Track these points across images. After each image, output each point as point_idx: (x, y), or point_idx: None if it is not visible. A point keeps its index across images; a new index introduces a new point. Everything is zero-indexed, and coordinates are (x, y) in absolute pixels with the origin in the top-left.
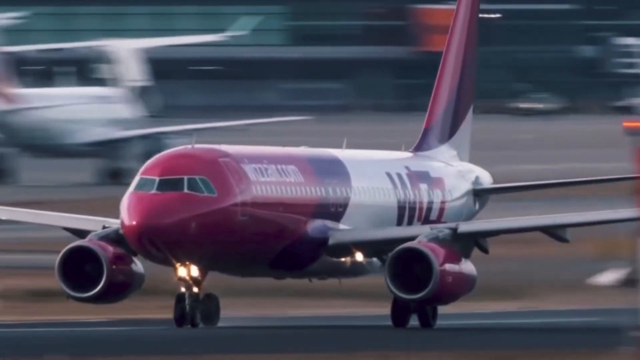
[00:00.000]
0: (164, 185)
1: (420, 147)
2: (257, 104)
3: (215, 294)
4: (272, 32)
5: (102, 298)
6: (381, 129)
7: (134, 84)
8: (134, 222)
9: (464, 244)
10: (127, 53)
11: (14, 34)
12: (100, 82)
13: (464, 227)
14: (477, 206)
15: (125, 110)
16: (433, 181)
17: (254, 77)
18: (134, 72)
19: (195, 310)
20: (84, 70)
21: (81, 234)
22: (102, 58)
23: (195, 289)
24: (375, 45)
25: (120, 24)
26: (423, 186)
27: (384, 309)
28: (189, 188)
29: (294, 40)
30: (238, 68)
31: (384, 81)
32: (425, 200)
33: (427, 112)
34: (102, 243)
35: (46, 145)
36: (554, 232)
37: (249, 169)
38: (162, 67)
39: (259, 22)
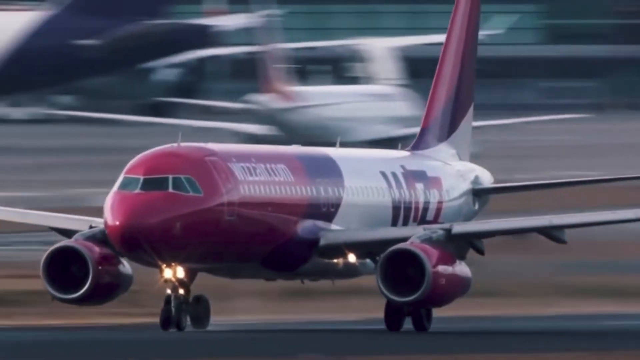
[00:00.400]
0: (148, 184)
1: (417, 145)
2: (513, 103)
3: (205, 296)
4: (527, 31)
5: (88, 300)
6: (636, 127)
7: (389, 83)
8: (117, 222)
9: (458, 245)
10: (381, 52)
11: (270, 32)
12: (354, 80)
13: (458, 227)
14: (476, 206)
15: (404, 108)
16: (430, 181)
17: (510, 75)
18: (389, 71)
19: (182, 313)
20: (338, 69)
21: (68, 233)
22: (356, 57)
23: (181, 291)
24: (628, 44)
25: (375, 23)
26: (419, 186)
27: (378, 312)
28: (174, 187)
29: (549, 38)
30: (493, 67)
31: (637, 80)
32: (421, 200)
33: (425, 110)
34: (88, 243)
35: (324, 144)
36: (551, 233)
37: (236, 168)
38: (417, 65)
39: (515, 20)
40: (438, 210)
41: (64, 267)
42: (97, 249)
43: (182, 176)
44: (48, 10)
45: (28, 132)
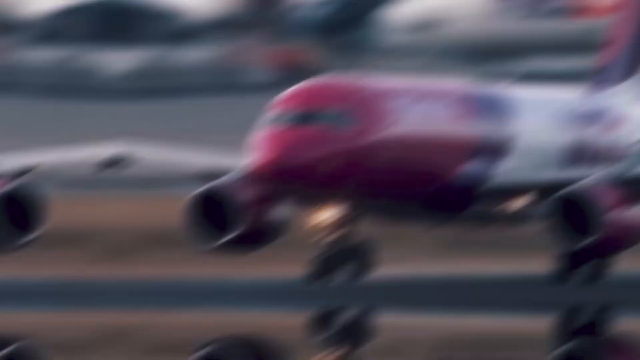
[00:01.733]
0: (300, 118)
1: (599, 85)
2: None
3: (369, 243)
4: None
5: (238, 247)
6: None
7: None
8: (266, 160)
9: (637, 188)
10: None
11: None
12: None
13: (637, 169)
14: None
15: None
16: (611, 122)
17: None
18: None
19: (336, 261)
20: None
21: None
22: None
23: (335, 235)
24: None
25: None
26: (599, 127)
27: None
28: (329, 121)
29: None
30: None
31: None
32: (601, 142)
33: (605, 48)
34: (238, 185)
35: None
36: None
37: (396, 102)
38: None
39: None
40: (621, 152)
41: (211, 212)
42: (247, 191)
43: (337, 110)
44: None
45: None
